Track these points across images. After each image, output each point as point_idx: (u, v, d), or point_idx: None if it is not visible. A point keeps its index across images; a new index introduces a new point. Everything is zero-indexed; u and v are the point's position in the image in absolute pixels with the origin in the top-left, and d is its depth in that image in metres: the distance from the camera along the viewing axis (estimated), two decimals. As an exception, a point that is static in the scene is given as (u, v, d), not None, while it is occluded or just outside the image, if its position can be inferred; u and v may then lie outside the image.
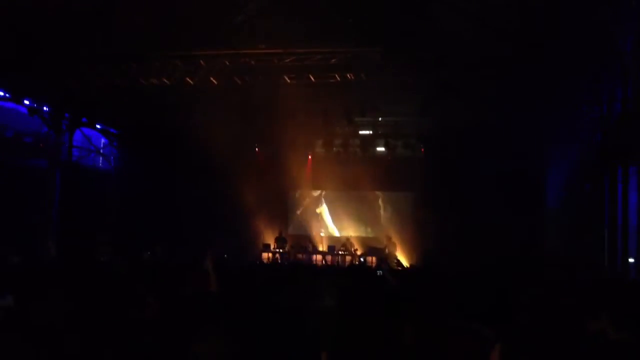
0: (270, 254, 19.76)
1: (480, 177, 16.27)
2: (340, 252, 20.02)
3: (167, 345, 3.31)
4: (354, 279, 6.41)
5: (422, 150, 19.31)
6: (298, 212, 22.17)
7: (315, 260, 19.79)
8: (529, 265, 12.18)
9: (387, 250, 19.70)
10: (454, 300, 4.83)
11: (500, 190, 16.00)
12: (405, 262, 19.17)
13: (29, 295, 4.00)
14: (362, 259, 19.22)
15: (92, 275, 5.98)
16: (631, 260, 11.05)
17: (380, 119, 18.66)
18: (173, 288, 4.29)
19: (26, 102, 15.02)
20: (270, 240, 20.55)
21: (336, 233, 21.59)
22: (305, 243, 20.73)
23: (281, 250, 19.88)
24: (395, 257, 19.15)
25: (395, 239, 20.12)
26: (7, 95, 14.67)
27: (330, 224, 21.93)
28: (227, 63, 13.78)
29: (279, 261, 19.18)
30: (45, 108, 15.61)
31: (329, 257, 19.94)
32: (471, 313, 4.10)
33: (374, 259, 19.20)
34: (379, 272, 15.08)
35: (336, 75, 14.22)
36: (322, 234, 21.71)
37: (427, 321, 3.87)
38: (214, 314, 3.64)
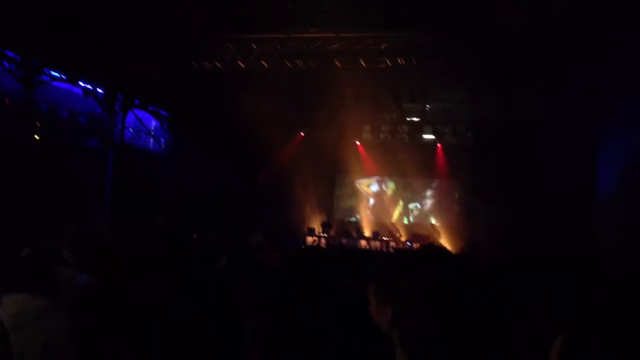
0: (315, 238, 19.84)
1: (530, 165, 15.97)
2: (384, 238, 19.98)
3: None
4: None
5: (471, 138, 19.04)
6: (344, 197, 22.16)
7: (360, 245, 19.79)
8: (582, 256, 11.92)
9: (431, 238, 19.59)
10: (509, 290, 4.73)
11: (551, 179, 15.69)
12: (450, 250, 18.97)
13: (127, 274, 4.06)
14: (408, 244, 19.14)
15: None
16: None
17: (428, 106, 18.36)
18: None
19: (81, 83, 15.33)
20: (316, 224, 20.62)
21: (383, 218, 21.52)
22: (350, 228, 20.76)
23: (326, 235, 19.93)
24: (440, 245, 19.00)
25: (439, 226, 19.99)
26: (63, 76, 14.98)
27: (375, 210, 21.87)
28: (279, 47, 13.80)
29: (323, 245, 19.24)
30: (99, 90, 15.91)
31: (373, 243, 19.92)
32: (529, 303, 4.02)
33: (419, 246, 19.07)
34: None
35: (387, 60, 14.10)
36: (356, 219, 21.65)
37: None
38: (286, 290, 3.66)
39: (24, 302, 2.66)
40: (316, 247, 18.89)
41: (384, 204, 21.81)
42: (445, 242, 19.51)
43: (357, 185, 22.07)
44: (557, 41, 11.57)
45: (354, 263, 6.02)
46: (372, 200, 21.97)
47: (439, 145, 20.16)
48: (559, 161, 15.89)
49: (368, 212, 21.87)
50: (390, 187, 21.86)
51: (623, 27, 10.54)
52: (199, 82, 15.85)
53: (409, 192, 21.62)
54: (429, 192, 21.48)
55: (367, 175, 21.63)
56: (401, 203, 21.66)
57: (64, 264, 4.68)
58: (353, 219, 21.75)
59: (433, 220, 20.36)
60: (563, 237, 14.78)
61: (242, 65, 14.21)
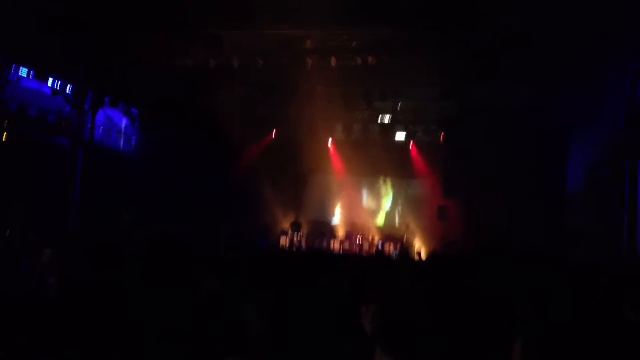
0: (287, 239, 19.77)
1: (501, 161, 16.14)
2: (357, 239, 20.02)
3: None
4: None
5: (442, 136, 19.19)
6: (316, 197, 22.11)
7: (333, 246, 19.79)
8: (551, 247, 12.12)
9: (405, 238, 19.68)
10: (485, 285, 4.80)
11: (520, 176, 15.90)
12: (424, 251, 19.11)
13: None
14: (380, 247, 19.20)
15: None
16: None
17: (400, 103, 18.40)
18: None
19: (49, 83, 15.16)
20: (287, 225, 20.56)
21: (355, 219, 21.55)
22: (323, 229, 20.74)
23: (300, 235, 19.86)
24: (414, 246, 19.12)
25: (413, 227, 20.10)
26: (32, 73, 14.79)
27: (348, 210, 21.89)
28: (250, 43, 13.79)
29: (295, 247, 19.20)
30: (68, 88, 15.73)
31: (346, 244, 19.93)
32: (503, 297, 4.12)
33: (391, 246, 19.15)
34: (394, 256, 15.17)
35: (358, 58, 14.17)
36: (337, 221, 21.68)
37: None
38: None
39: None
40: (288, 247, 18.93)
41: (356, 204, 21.84)
42: (418, 242, 19.63)
43: (329, 185, 22.06)
44: (529, 36, 11.76)
45: (328, 264, 6.07)
46: (344, 201, 21.98)
47: (411, 144, 20.31)
48: (530, 157, 16.10)
49: (340, 212, 21.88)
50: (362, 187, 21.92)
51: (593, 30, 10.76)
52: (170, 80, 15.78)
53: (382, 192, 21.70)
54: (402, 192, 21.58)
55: (340, 175, 21.66)
56: (374, 203, 21.73)
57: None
58: (325, 219, 21.73)
59: (402, 220, 20.45)
60: (535, 232, 15.02)
61: (213, 62, 14.16)
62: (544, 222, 15.35)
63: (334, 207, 21.88)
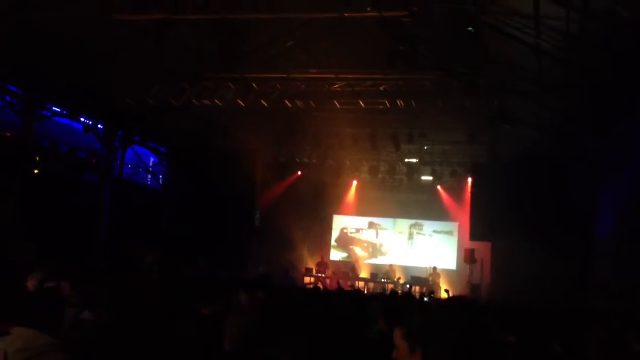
0: (312, 278, 19.66)
1: (529, 207, 15.87)
2: (382, 280, 19.81)
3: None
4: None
5: (471, 179, 19.02)
6: (344, 237, 22.06)
7: (358, 286, 19.58)
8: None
9: (431, 280, 19.41)
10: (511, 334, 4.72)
11: (549, 222, 15.61)
12: (450, 293, 18.79)
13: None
14: (407, 287, 18.94)
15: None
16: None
17: (425, 147, 18.30)
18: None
19: (81, 119, 15.45)
20: (312, 264, 20.47)
21: (380, 261, 21.39)
22: (347, 269, 20.60)
23: (323, 275, 19.76)
24: (441, 287, 18.81)
25: (439, 269, 19.85)
26: (64, 112, 15.11)
27: (376, 251, 21.77)
28: (278, 86, 13.93)
29: (320, 287, 19.05)
30: (99, 125, 16.01)
31: (371, 285, 19.73)
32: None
33: (417, 288, 18.89)
34: (425, 299, 14.93)
35: (386, 102, 14.22)
36: (364, 261, 21.55)
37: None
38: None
39: (30, 339, 2.74)
40: (315, 288, 18.77)
41: (381, 245, 21.72)
42: (444, 284, 19.33)
43: (355, 225, 21.99)
44: (554, 80, 11.67)
45: (358, 305, 6.00)
46: (370, 241, 21.87)
47: (438, 186, 20.19)
48: (558, 201, 15.80)
49: (366, 253, 21.75)
50: (388, 228, 21.80)
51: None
52: (199, 120, 15.98)
53: (407, 234, 21.55)
54: (429, 235, 21.41)
55: (365, 215, 21.58)
56: (400, 245, 21.57)
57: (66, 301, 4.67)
58: (350, 259, 21.61)
59: (433, 264, 20.17)
60: (563, 281, 14.69)
61: (242, 104, 14.30)
62: (573, 270, 15.01)
63: (359, 247, 21.76)
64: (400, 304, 5.86)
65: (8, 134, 13.97)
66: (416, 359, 2.43)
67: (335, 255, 21.77)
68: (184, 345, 3.52)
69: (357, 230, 22.01)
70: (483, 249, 18.25)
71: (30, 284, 5.06)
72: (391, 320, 3.98)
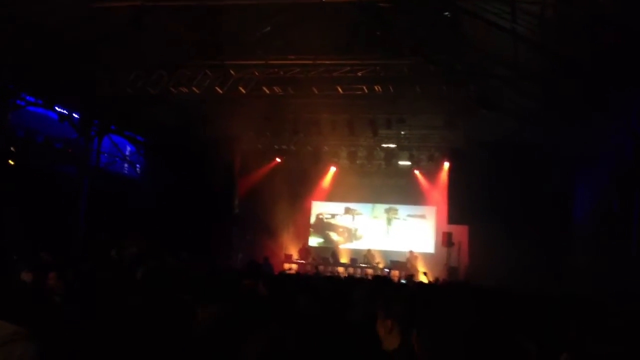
0: (292, 265, 19.74)
1: (506, 191, 16.09)
2: (362, 265, 19.97)
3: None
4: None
5: (448, 163, 19.21)
6: (320, 223, 22.17)
7: (338, 272, 19.72)
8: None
9: (409, 264, 19.62)
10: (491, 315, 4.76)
11: (526, 205, 15.85)
12: (429, 277, 19.02)
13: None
14: (386, 272, 19.12)
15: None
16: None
17: (403, 132, 18.40)
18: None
19: (57, 108, 15.22)
20: (292, 251, 20.55)
21: (358, 245, 21.54)
22: (327, 255, 20.71)
23: (303, 262, 19.86)
24: (419, 271, 19.02)
25: (417, 253, 20.06)
26: (39, 101, 14.88)
27: (352, 236, 21.91)
28: (256, 73, 13.88)
29: (300, 272, 19.14)
30: (75, 114, 15.80)
31: (351, 270, 19.87)
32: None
33: (396, 272, 19.09)
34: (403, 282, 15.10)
35: (364, 88, 14.26)
36: (339, 246, 21.69)
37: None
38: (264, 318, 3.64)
39: None
40: (295, 274, 18.85)
41: (361, 230, 21.86)
42: (422, 267, 19.56)
43: (334, 211, 22.10)
44: (532, 65, 11.81)
45: (340, 290, 6.03)
46: (345, 226, 22.02)
47: (415, 171, 20.36)
48: (535, 187, 16.03)
49: (342, 237, 21.90)
50: (364, 213, 21.94)
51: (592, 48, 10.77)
52: (176, 109, 15.86)
53: (385, 219, 21.71)
54: (406, 219, 21.59)
55: (343, 201, 21.69)
56: (378, 229, 21.72)
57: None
58: (330, 245, 21.73)
59: (410, 247, 20.36)
60: (540, 264, 14.94)
61: (220, 91, 14.23)
62: (550, 254, 15.27)
63: (338, 233, 21.88)
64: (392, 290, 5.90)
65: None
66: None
67: (313, 241, 21.87)
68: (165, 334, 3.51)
69: (333, 216, 22.13)
70: (461, 232, 18.50)
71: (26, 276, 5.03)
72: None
